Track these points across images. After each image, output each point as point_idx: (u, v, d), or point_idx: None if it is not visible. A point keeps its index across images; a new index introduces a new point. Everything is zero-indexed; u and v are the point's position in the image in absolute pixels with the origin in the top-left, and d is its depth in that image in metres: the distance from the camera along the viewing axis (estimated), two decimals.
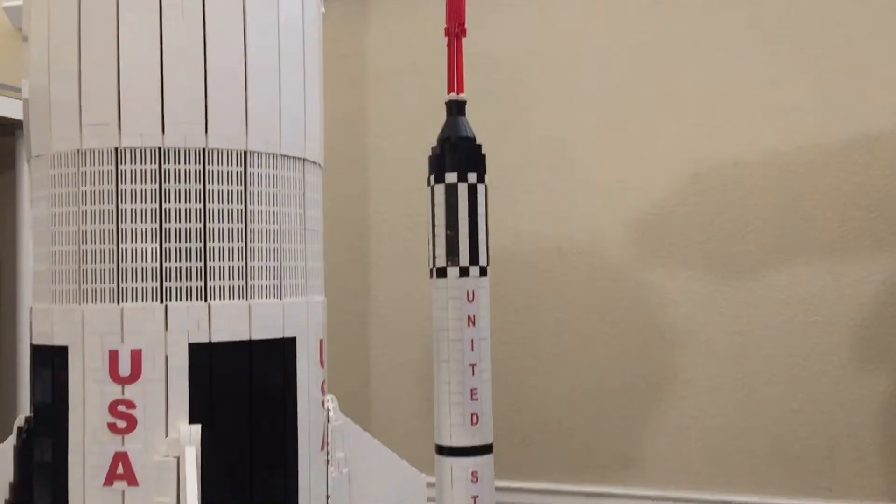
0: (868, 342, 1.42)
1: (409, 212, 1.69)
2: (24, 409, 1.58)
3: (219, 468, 0.84)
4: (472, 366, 0.79)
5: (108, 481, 0.83)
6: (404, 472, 1.08)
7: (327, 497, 0.98)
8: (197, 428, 0.83)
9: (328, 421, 1.00)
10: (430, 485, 1.54)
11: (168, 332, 0.84)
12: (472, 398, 0.79)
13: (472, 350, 0.79)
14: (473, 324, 0.79)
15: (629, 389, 1.53)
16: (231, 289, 0.86)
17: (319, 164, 0.98)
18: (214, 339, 0.85)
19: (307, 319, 0.94)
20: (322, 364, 0.98)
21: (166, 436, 0.83)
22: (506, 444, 1.60)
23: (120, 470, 0.83)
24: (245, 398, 0.87)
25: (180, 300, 0.84)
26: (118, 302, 0.84)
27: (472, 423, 0.79)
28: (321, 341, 0.97)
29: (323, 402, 0.98)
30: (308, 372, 0.94)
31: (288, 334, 0.91)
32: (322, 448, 0.97)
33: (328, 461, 0.99)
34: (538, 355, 1.58)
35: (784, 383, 1.46)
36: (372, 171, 1.74)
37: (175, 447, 0.82)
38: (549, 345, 1.58)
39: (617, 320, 1.54)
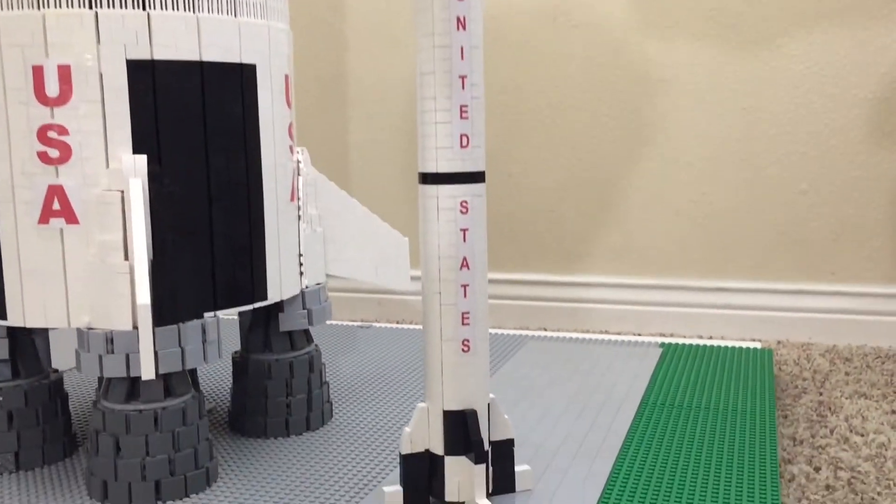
0: (887, 116, 1.32)
1: None
2: None
3: (170, 207, 0.73)
4: (462, 78, 0.67)
5: (44, 218, 0.72)
6: (386, 235, 0.99)
7: (300, 255, 0.89)
8: (142, 158, 0.72)
9: (298, 173, 0.89)
10: (415, 278, 1.45)
11: (101, 46, 0.71)
12: (461, 116, 0.67)
13: (462, 59, 0.67)
14: (464, 27, 0.66)
15: (626, 175, 1.43)
16: None
17: None
18: (157, 57, 0.73)
19: (268, 47, 0.81)
20: (289, 104, 0.86)
21: (107, 167, 0.72)
22: (495, 236, 1.52)
23: (56, 206, 0.72)
24: (198, 129, 0.75)
25: (113, 7, 0.71)
26: (39, 7, 0.71)
27: (461, 145, 0.68)
28: (287, 77, 0.85)
29: (291, 149, 0.87)
30: (272, 109, 0.82)
31: (246, 60, 0.79)
32: (292, 199, 0.87)
33: (299, 217, 0.89)
34: (529, 140, 1.47)
35: (793, 163, 1.36)
36: None
37: (118, 179, 0.72)
38: (540, 128, 1.47)
39: (615, 101, 1.42)
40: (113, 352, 0.72)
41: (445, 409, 0.71)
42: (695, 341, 1.25)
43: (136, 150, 0.72)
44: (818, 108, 1.34)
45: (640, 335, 1.34)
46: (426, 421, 0.72)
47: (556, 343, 1.25)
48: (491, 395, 0.73)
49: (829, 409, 1.05)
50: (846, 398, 1.08)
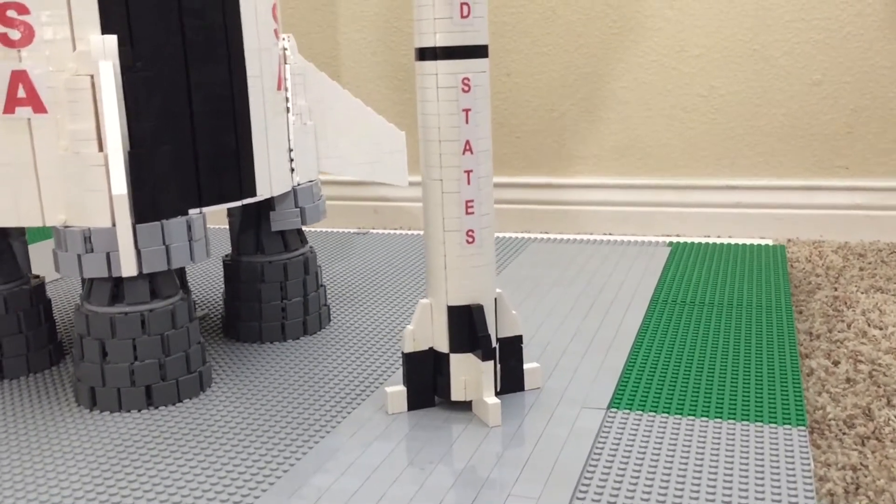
0: None
1: None
2: None
3: (146, 94, 0.67)
4: None
5: (9, 108, 0.66)
6: (381, 129, 0.93)
7: (289, 150, 0.83)
8: (112, 39, 0.65)
9: (285, 61, 0.83)
10: (413, 184, 1.40)
11: None
12: None
13: None
14: None
15: (630, 70, 1.37)
16: None
17: None
18: None
19: None
20: None
21: (73, 49, 0.66)
22: (494, 139, 1.45)
23: (21, 93, 0.66)
24: (172, 5, 0.69)
25: None
26: None
27: (461, 14, 0.62)
28: None
29: (276, 33, 0.80)
30: None
31: None
32: (279, 88, 0.81)
33: (288, 109, 0.83)
34: (527, 34, 1.40)
35: (806, 52, 1.30)
36: None
37: (86, 63, 0.65)
38: (540, 21, 1.39)
39: None
40: (92, 251, 0.67)
41: (450, 304, 0.67)
42: (704, 239, 1.21)
43: (104, 31, 0.66)
44: None
45: (645, 237, 1.30)
46: (429, 318, 0.68)
47: (559, 245, 1.21)
48: (498, 290, 0.69)
49: (845, 303, 1.01)
50: (862, 293, 1.05)
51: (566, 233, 1.42)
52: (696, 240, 1.20)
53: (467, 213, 0.65)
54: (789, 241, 1.32)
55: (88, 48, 0.65)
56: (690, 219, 1.39)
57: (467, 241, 0.65)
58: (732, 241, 1.19)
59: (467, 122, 0.63)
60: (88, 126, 0.65)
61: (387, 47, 1.49)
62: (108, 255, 0.67)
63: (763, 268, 1.05)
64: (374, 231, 1.36)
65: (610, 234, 1.42)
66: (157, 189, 0.67)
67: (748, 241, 1.18)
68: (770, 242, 1.17)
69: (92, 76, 0.65)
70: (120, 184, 0.61)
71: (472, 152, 0.64)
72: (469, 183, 0.64)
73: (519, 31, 1.41)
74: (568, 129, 1.43)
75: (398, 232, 1.35)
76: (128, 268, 0.62)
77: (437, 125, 0.64)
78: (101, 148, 0.66)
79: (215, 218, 1.21)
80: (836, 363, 0.84)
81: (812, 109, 1.32)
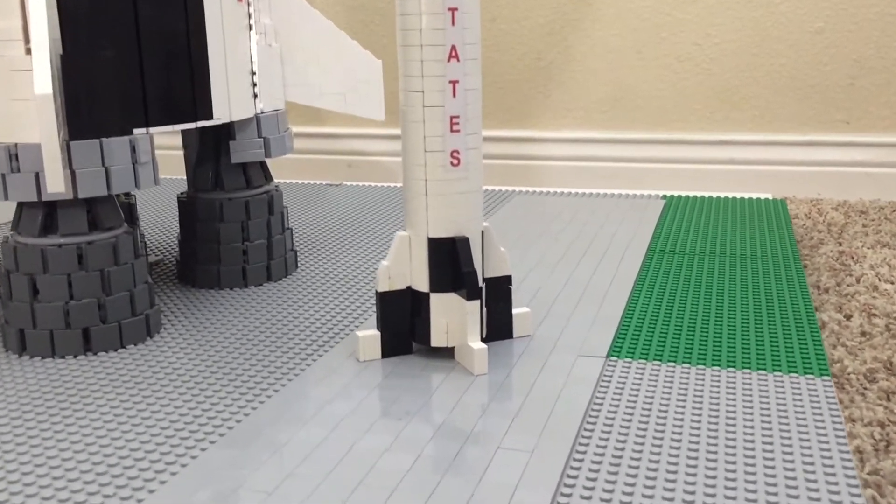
0: None
1: None
2: None
3: None
4: None
5: None
6: (355, 56, 0.84)
7: (252, 73, 0.75)
8: None
9: None
10: (392, 136, 1.31)
11: None
12: None
13: None
14: None
15: (620, 15, 1.29)
16: None
17: None
18: None
19: None
20: None
21: None
22: None
23: None
24: None
25: None
26: None
27: None
28: None
29: None
30: None
31: None
32: (240, 0, 0.72)
33: (250, 26, 0.74)
34: None
35: None
36: None
37: None
38: None
39: None
40: (19, 170, 0.58)
41: (431, 236, 0.59)
42: (700, 193, 1.13)
43: None
44: None
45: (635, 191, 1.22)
46: (407, 252, 0.60)
47: (544, 197, 1.13)
48: (485, 224, 0.61)
49: (852, 258, 0.94)
50: (868, 248, 0.98)
51: (552, 188, 1.34)
52: (693, 193, 1.13)
53: (452, 130, 0.57)
54: (786, 198, 1.26)
55: None
56: (683, 175, 1.31)
57: (451, 164, 0.57)
58: (731, 194, 1.12)
59: (453, 23, 0.55)
60: (14, 24, 0.56)
61: None
62: (37, 175, 0.58)
63: (765, 220, 0.98)
64: (348, 184, 1.27)
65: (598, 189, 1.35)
66: (94, 101, 0.58)
67: (748, 195, 1.11)
68: (770, 196, 1.10)
69: None
70: (44, 81, 0.52)
71: (458, 59, 0.56)
72: (454, 95, 0.56)
73: None
74: (554, 79, 1.35)
75: (375, 184, 1.26)
76: (55, 184, 0.53)
77: (417, 26, 0.55)
78: (29, 51, 0.57)
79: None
80: (848, 317, 0.77)
81: (813, 59, 1.24)
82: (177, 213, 1.03)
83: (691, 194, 1.13)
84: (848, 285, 0.86)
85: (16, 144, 0.58)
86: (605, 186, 1.34)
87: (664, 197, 1.10)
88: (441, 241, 0.58)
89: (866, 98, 1.24)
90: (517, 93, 1.36)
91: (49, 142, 0.52)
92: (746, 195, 1.18)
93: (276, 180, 0.83)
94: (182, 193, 0.80)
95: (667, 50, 1.29)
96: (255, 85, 0.75)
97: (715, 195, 1.12)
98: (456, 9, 0.55)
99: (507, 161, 1.38)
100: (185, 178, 0.81)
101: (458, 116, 0.57)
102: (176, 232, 1.00)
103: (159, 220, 1.06)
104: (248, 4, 0.74)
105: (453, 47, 0.55)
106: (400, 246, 0.60)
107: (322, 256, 0.88)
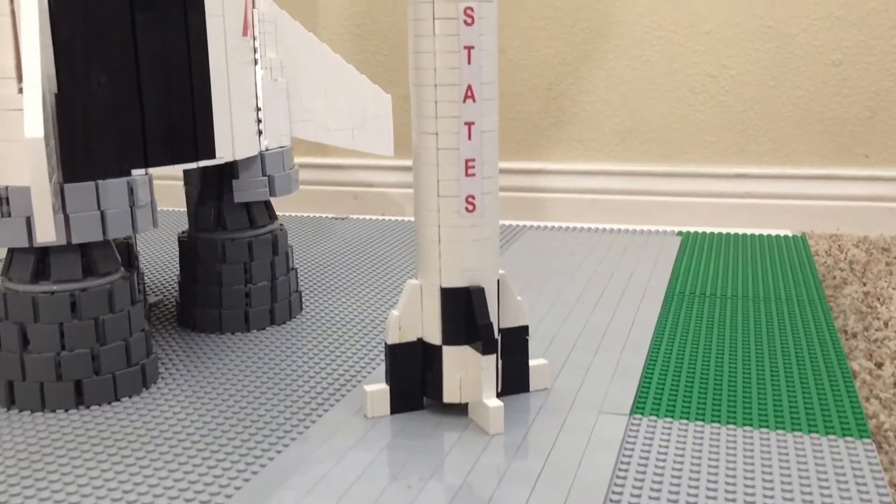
0: None
1: None
2: None
3: (80, 23, 0.56)
4: None
5: None
6: (364, 90, 0.81)
7: (257, 109, 0.72)
8: None
9: (253, 5, 0.71)
10: (402, 168, 1.28)
11: None
12: None
13: None
14: None
15: (634, 46, 1.26)
16: None
17: None
18: None
19: None
20: None
21: None
22: None
23: None
24: None
25: None
26: None
27: None
28: None
29: None
30: None
31: None
32: (245, 34, 0.69)
33: (256, 60, 0.71)
34: (525, 6, 1.29)
35: (826, 30, 1.20)
36: None
37: None
38: None
39: None
40: (9, 214, 0.55)
41: (444, 285, 0.55)
42: (717, 229, 1.10)
43: None
44: None
45: (649, 227, 1.19)
46: (418, 302, 0.57)
47: (557, 233, 1.10)
48: (501, 272, 0.58)
49: (878, 299, 0.91)
50: (893, 289, 0.94)
51: (564, 222, 1.31)
52: (709, 229, 1.10)
53: (467, 174, 0.54)
54: (804, 234, 1.22)
55: None
56: (698, 209, 1.28)
57: (466, 210, 0.54)
58: (748, 230, 1.09)
59: (469, 62, 0.52)
60: (6, 62, 0.53)
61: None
62: (28, 219, 0.55)
63: (787, 259, 0.94)
64: (355, 217, 1.24)
65: (611, 224, 1.31)
66: (90, 140, 0.56)
67: (766, 231, 1.07)
68: (789, 233, 1.07)
69: (12, 1, 0.53)
70: (35, 125, 0.49)
71: (474, 100, 0.53)
72: (470, 138, 0.53)
73: (514, 4, 1.30)
74: (566, 111, 1.32)
75: (382, 218, 1.23)
76: (45, 232, 0.50)
77: (432, 65, 0.52)
78: (22, 90, 0.54)
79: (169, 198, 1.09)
80: (879, 365, 0.73)
81: (830, 92, 1.21)
82: (177, 248, 1.01)
83: (707, 230, 1.09)
84: (876, 329, 0.82)
85: (6, 188, 0.55)
86: (617, 220, 1.31)
87: (679, 233, 1.07)
88: (454, 291, 0.55)
89: (886, 131, 1.21)
90: (528, 124, 1.34)
91: (39, 189, 0.49)
92: (763, 230, 1.14)
93: (279, 213, 0.80)
94: (183, 233, 0.77)
95: (680, 82, 1.26)
96: (259, 121, 0.72)
97: (733, 231, 1.09)
98: (472, 47, 0.52)
99: (518, 193, 1.35)
100: (185, 209, 0.78)
101: (473, 160, 0.54)
102: (177, 269, 0.96)
103: (160, 256, 1.03)
104: (254, 38, 0.71)
105: (469, 87, 0.52)
106: (411, 295, 0.56)
107: (328, 297, 0.85)
